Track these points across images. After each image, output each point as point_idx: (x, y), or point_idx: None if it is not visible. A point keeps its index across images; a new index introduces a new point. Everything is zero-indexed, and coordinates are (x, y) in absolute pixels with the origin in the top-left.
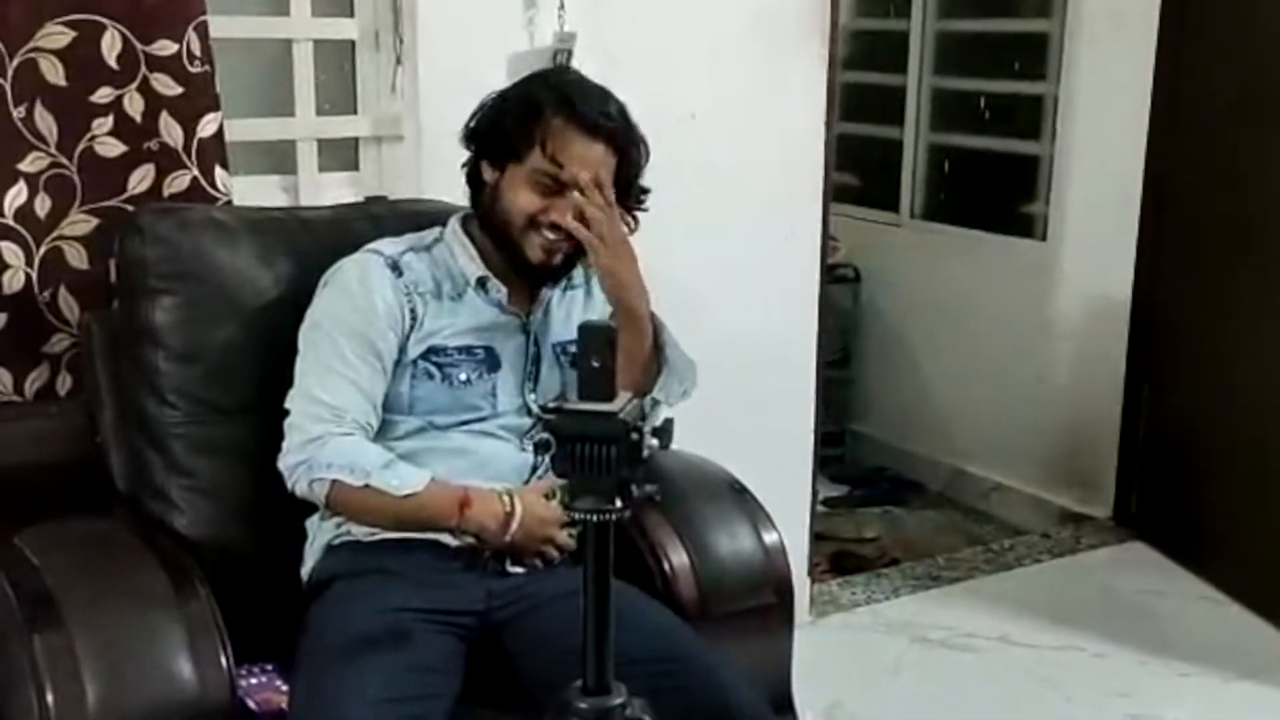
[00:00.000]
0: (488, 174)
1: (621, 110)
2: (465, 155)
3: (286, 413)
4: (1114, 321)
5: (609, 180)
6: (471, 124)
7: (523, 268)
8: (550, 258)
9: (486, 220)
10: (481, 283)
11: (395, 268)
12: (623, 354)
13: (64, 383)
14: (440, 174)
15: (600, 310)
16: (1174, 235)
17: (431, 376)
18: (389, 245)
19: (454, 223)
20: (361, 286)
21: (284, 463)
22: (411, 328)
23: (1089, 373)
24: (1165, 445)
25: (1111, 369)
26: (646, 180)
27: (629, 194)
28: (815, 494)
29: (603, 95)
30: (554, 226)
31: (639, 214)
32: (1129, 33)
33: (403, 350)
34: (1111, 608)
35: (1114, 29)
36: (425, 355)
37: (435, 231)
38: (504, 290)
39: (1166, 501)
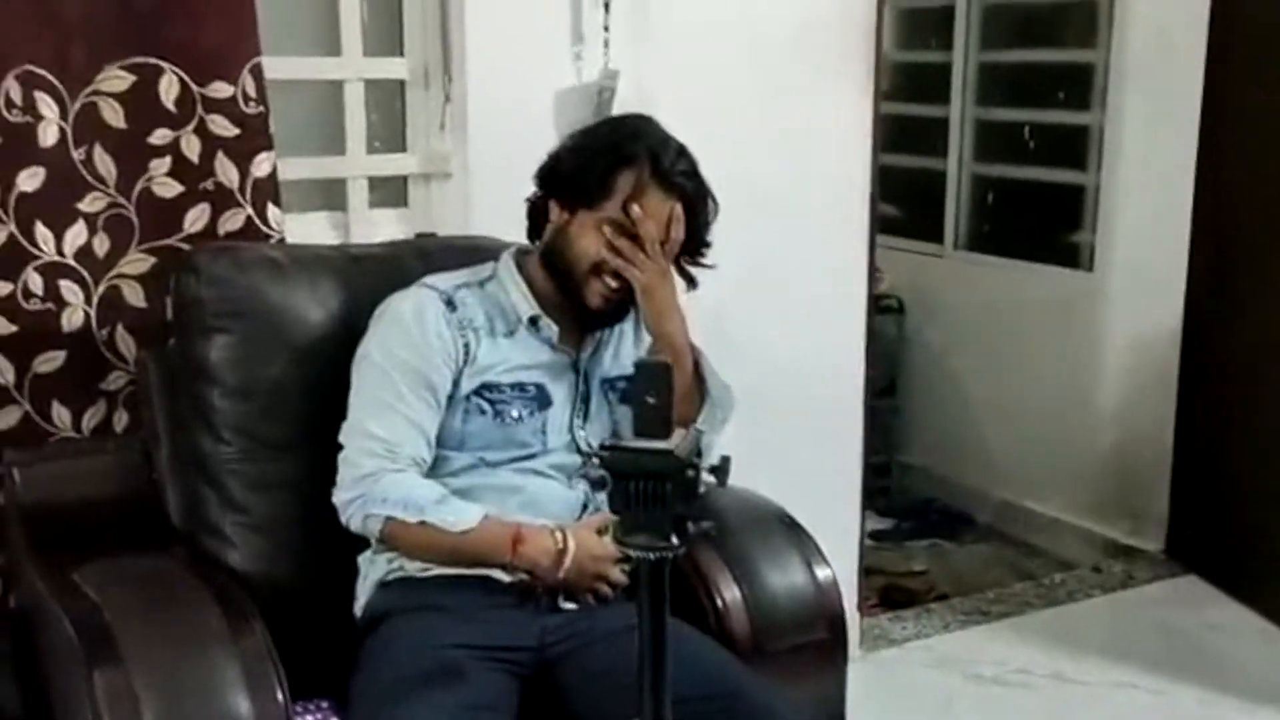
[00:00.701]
0: (554, 213)
1: (694, 166)
2: (513, 192)
3: (340, 447)
4: (1164, 351)
5: (680, 236)
6: (550, 164)
7: (579, 310)
8: (607, 304)
9: (547, 258)
10: (534, 321)
11: (450, 303)
12: None
13: (121, 420)
14: (488, 210)
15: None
16: (1224, 264)
17: (484, 412)
18: (443, 280)
19: (507, 258)
20: (416, 321)
21: (338, 498)
22: (465, 363)
23: (1139, 404)
24: (1218, 477)
25: (1162, 399)
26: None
27: (695, 249)
28: (864, 526)
29: (680, 151)
30: (617, 275)
31: (703, 267)
32: (1176, 61)
33: (456, 385)
34: (1167, 643)
35: (1161, 58)
36: (478, 391)
37: (489, 267)
38: (555, 329)
39: (1220, 534)
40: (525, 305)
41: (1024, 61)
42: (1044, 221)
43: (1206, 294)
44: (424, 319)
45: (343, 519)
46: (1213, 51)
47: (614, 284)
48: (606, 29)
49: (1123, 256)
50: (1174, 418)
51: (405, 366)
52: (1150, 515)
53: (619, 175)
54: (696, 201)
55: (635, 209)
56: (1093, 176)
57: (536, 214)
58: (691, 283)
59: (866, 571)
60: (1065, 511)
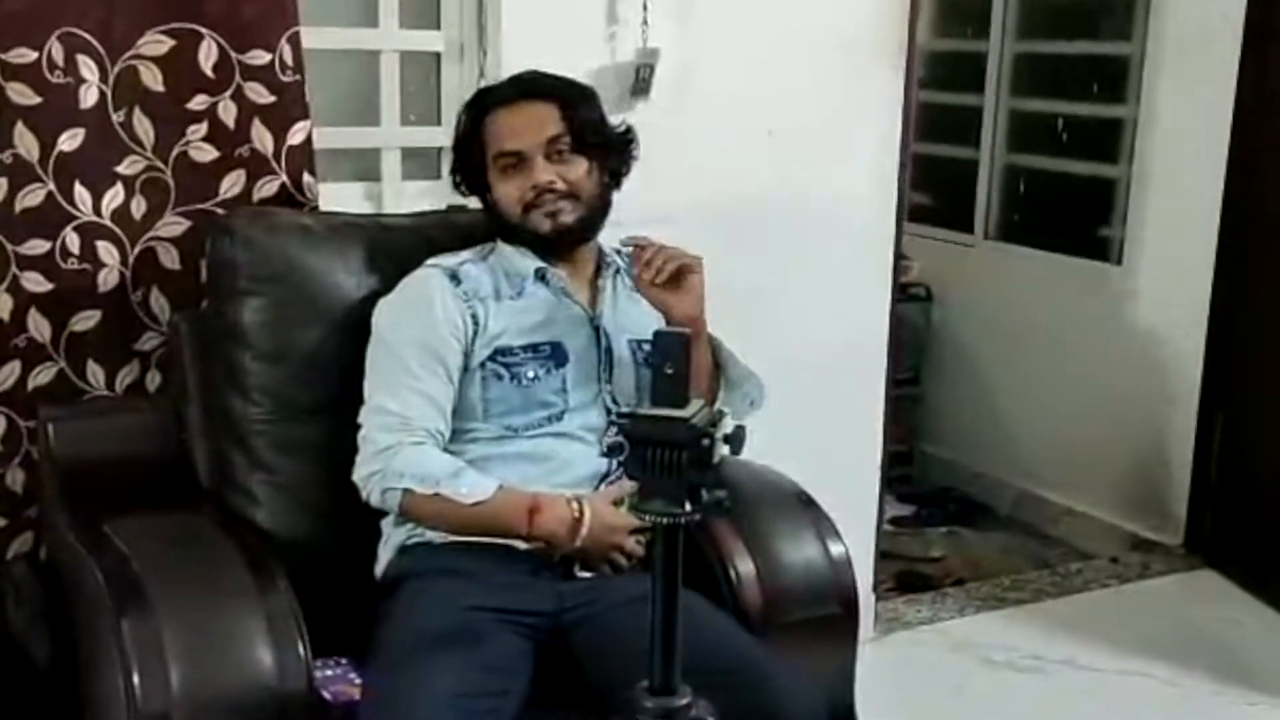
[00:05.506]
0: (488, 197)
1: (543, 73)
2: None
3: (359, 427)
4: (1189, 346)
5: (558, 132)
6: (452, 170)
7: (550, 247)
8: (558, 220)
9: (505, 234)
10: (540, 275)
11: (454, 277)
12: None
13: (153, 380)
14: None
15: None
16: (1252, 261)
17: (500, 377)
18: (446, 258)
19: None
20: (422, 298)
21: (358, 474)
22: (475, 333)
23: (1162, 397)
24: (1239, 472)
25: (1185, 394)
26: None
27: (588, 140)
28: (882, 511)
29: (520, 76)
30: (538, 191)
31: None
32: (1211, 56)
33: (469, 356)
34: (1182, 635)
35: (1196, 52)
36: (492, 357)
37: (491, 244)
38: (564, 278)
39: (1239, 530)
40: (528, 263)
41: (1060, 53)
42: (1074, 214)
43: (1233, 290)
44: (429, 296)
45: (363, 494)
46: (1248, 46)
47: (548, 198)
48: (645, 8)
49: (1152, 251)
50: (1197, 412)
51: (414, 343)
52: (1170, 509)
53: (473, 129)
54: (553, 95)
55: (495, 131)
56: (1124, 170)
57: (488, 210)
58: (615, 179)
59: (884, 556)
60: (1085, 503)
